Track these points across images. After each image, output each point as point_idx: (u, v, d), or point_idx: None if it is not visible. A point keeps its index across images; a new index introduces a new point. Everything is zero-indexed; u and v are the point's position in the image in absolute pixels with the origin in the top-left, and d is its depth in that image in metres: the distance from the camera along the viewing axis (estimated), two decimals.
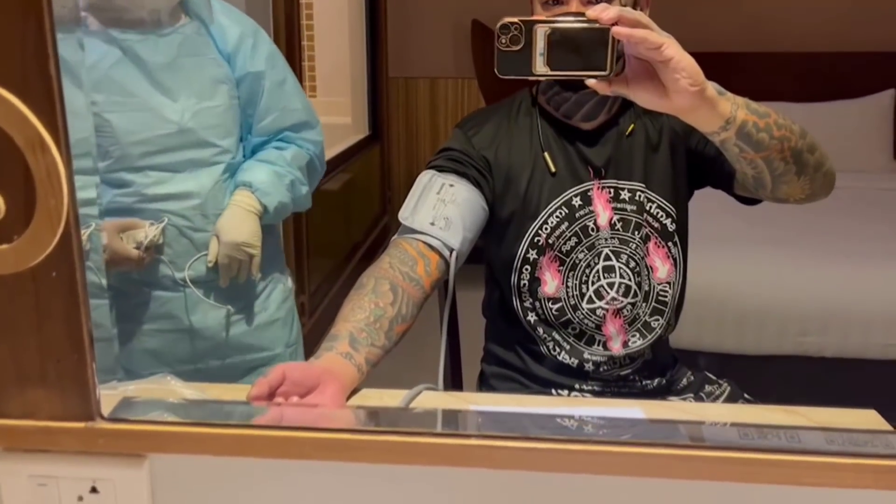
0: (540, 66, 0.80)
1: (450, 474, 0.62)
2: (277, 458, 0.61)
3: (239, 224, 1.26)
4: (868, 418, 0.78)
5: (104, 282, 1.19)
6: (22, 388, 0.60)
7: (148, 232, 1.21)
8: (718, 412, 1.04)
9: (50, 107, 0.53)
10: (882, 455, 0.57)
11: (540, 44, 0.79)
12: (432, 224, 1.08)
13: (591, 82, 0.81)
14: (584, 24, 0.79)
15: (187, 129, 1.23)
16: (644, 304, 1.15)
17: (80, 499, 0.65)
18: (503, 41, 0.79)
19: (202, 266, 1.27)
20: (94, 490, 0.65)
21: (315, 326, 2.56)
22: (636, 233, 1.14)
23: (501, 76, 0.81)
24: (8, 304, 0.59)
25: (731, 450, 0.58)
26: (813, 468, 0.58)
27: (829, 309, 1.95)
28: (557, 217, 1.14)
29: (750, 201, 1.13)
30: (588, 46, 0.79)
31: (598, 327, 1.15)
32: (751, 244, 2.15)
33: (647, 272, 1.15)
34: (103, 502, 0.65)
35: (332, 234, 3.01)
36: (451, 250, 1.08)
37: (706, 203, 1.28)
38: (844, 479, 0.58)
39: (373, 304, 0.98)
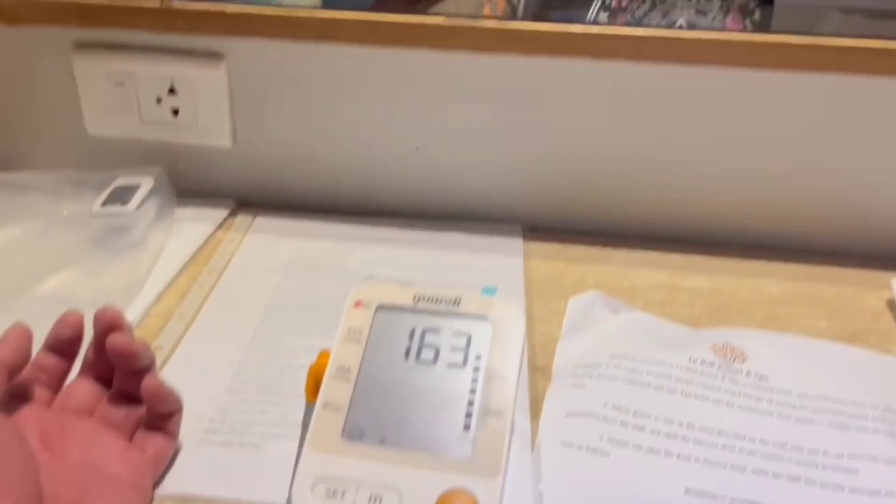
0: None
1: (549, 64, 0.58)
2: (361, 44, 0.57)
3: None
4: None
5: None
6: None
7: None
8: None
9: None
10: None
11: None
12: None
13: None
14: None
15: None
16: None
17: (159, 100, 0.63)
18: None
19: None
20: (171, 91, 0.63)
21: None
22: None
23: None
24: None
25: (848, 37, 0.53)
26: None
27: None
28: None
29: None
30: None
31: None
32: None
33: None
34: (182, 103, 0.63)
35: None
36: None
37: None
38: None
39: None
